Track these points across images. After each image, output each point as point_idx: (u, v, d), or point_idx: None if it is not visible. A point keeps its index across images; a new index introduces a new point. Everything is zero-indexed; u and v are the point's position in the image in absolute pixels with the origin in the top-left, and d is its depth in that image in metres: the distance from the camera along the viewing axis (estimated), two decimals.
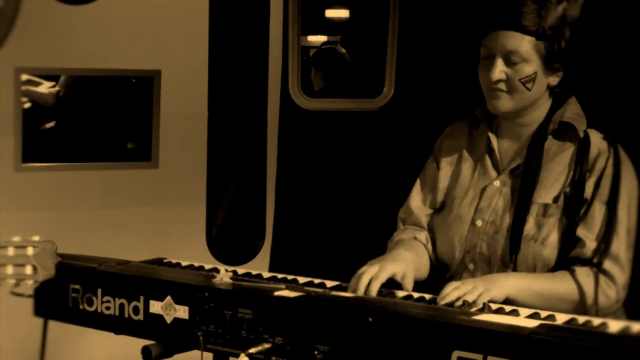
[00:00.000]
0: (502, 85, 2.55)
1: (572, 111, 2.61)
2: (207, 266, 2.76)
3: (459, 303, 2.31)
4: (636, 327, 2.07)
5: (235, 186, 4.11)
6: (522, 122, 2.63)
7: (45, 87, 3.92)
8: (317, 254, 4.00)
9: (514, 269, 2.54)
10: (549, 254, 2.52)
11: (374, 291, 2.42)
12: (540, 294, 2.44)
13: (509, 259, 2.55)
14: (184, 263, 2.80)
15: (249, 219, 4.15)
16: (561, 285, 2.46)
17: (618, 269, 2.49)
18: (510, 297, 2.41)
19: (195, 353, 2.34)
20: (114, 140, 4.10)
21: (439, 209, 2.77)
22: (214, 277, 2.44)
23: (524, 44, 2.50)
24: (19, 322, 2.83)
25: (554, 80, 2.57)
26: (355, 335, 2.09)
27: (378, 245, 2.87)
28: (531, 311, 2.29)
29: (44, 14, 3.82)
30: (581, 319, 2.23)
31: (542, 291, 2.45)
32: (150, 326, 2.42)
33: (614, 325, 2.13)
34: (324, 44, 5.11)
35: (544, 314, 2.27)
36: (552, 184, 2.56)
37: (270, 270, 3.32)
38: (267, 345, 2.20)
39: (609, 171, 2.50)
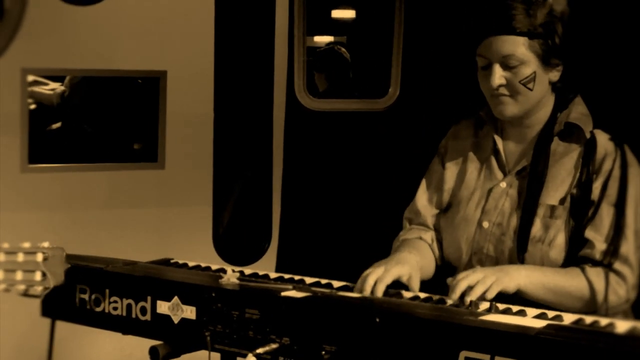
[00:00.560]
0: (504, 90, 2.55)
1: (578, 112, 2.61)
2: (214, 267, 2.76)
3: (469, 297, 2.31)
4: None
5: (241, 186, 4.11)
6: (527, 123, 2.63)
7: (50, 88, 3.93)
8: (324, 254, 4.00)
9: None
10: (556, 256, 2.51)
11: (379, 293, 2.42)
12: (551, 288, 2.44)
13: (516, 260, 2.55)
14: (190, 263, 2.80)
15: (255, 219, 4.14)
16: (573, 281, 2.46)
17: (628, 269, 2.48)
18: (521, 288, 2.41)
19: (203, 353, 2.34)
20: (120, 141, 4.10)
21: (445, 210, 2.77)
22: (221, 277, 2.44)
23: (518, 46, 2.50)
24: (27, 322, 2.84)
25: (554, 75, 2.57)
26: (362, 335, 2.09)
27: (384, 246, 2.87)
28: (539, 311, 2.29)
29: (50, 15, 3.83)
30: (589, 319, 2.23)
31: (553, 285, 2.44)
32: (158, 326, 2.42)
33: (622, 326, 2.12)
34: (326, 44, 5.11)
35: (551, 314, 2.27)
36: (558, 186, 2.56)
37: (276, 271, 3.33)
38: (274, 346, 2.21)
39: (616, 172, 2.50)
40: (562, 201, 2.54)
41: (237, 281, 2.42)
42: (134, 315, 2.47)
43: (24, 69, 3.85)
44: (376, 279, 2.44)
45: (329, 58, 4.79)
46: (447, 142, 2.84)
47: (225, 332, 2.30)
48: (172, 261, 2.83)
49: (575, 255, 2.51)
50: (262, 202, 4.12)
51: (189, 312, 2.37)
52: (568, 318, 2.24)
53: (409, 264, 2.55)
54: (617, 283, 2.46)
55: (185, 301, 2.37)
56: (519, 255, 2.53)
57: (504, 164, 2.67)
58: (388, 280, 2.45)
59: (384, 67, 4.06)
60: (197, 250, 3.77)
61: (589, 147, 2.55)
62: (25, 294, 2.27)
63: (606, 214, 2.49)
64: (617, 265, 2.46)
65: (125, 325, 2.49)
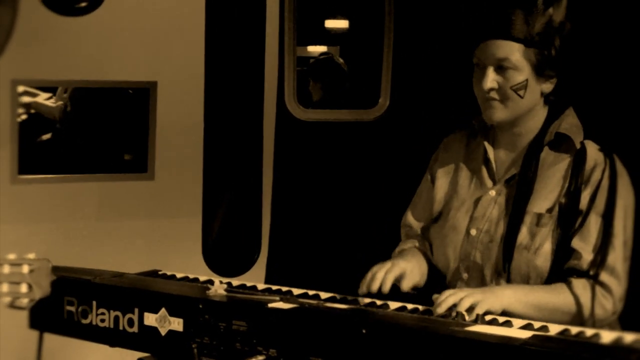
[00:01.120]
0: (495, 94, 2.56)
1: (569, 122, 2.61)
2: (202, 278, 2.76)
3: (454, 312, 2.31)
4: (629, 338, 2.07)
5: (231, 198, 4.11)
6: (518, 131, 2.63)
7: (45, 99, 3.92)
8: (313, 265, 3.99)
9: (508, 279, 2.54)
10: (542, 264, 2.51)
11: (388, 283, 2.46)
12: (537, 306, 2.44)
13: (503, 268, 2.55)
14: (178, 275, 2.80)
15: (244, 230, 4.14)
16: (558, 297, 2.46)
17: (615, 281, 2.48)
18: (507, 309, 2.41)
19: None
20: (110, 152, 4.10)
21: (436, 219, 2.78)
22: (209, 289, 2.44)
23: (513, 52, 2.51)
24: (15, 334, 2.83)
25: (547, 87, 2.58)
26: (349, 346, 2.09)
27: (374, 256, 2.87)
28: (524, 322, 2.29)
29: (40, 26, 3.82)
30: (574, 329, 2.23)
31: (539, 303, 2.45)
32: (145, 338, 2.42)
33: (607, 336, 2.13)
34: (322, 54, 5.11)
35: (537, 324, 2.27)
36: (547, 195, 2.56)
37: (266, 282, 3.33)
38: (261, 357, 2.21)
39: (605, 183, 2.50)
40: (549, 210, 2.54)
41: (224, 292, 2.43)
42: (121, 327, 2.46)
43: (13, 80, 3.84)
44: (385, 271, 2.49)
45: (326, 68, 4.79)
46: (438, 154, 2.85)
47: (213, 344, 2.30)
48: (160, 272, 2.83)
49: (562, 264, 2.51)
50: (252, 213, 4.12)
51: (177, 324, 2.36)
52: (554, 329, 2.24)
53: (411, 263, 2.63)
54: (603, 296, 2.46)
55: (172, 313, 2.37)
56: (504, 262, 2.54)
57: (494, 172, 2.67)
58: (396, 272, 2.51)
59: (375, 77, 4.06)
60: (187, 262, 3.77)
61: (579, 157, 2.55)
62: (12, 305, 2.27)
63: (594, 224, 2.49)
64: (604, 277, 2.46)
65: (113, 337, 2.49)
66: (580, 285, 2.46)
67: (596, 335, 2.15)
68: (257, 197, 4.12)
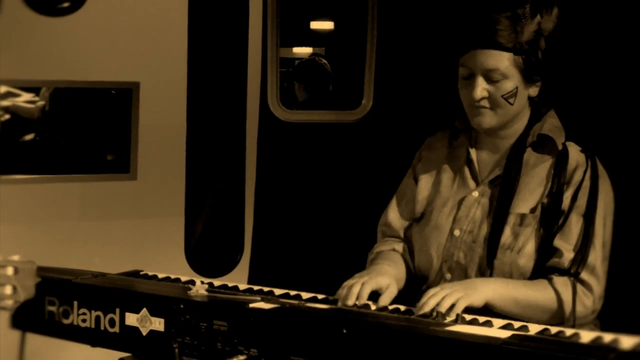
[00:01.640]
0: (485, 103, 2.56)
1: (551, 124, 2.63)
2: (184, 278, 2.76)
3: (435, 312, 2.32)
4: (608, 338, 2.08)
5: (214, 198, 4.11)
6: (503, 134, 2.65)
7: (25, 99, 3.91)
8: (296, 265, 3.99)
9: None
10: (525, 263, 2.53)
11: (365, 295, 2.45)
12: (519, 301, 2.46)
13: (486, 268, 2.56)
14: (160, 275, 2.80)
15: (227, 231, 4.14)
16: (540, 293, 2.48)
17: (594, 280, 2.51)
18: (489, 302, 2.42)
19: None
20: (92, 152, 4.08)
21: (418, 220, 2.78)
22: (190, 289, 2.44)
23: (503, 61, 2.51)
24: None
25: (534, 91, 2.60)
26: (330, 346, 2.10)
27: (357, 257, 2.88)
28: (504, 322, 2.30)
29: (22, 26, 3.81)
30: (554, 329, 2.24)
31: (521, 298, 2.46)
32: (126, 338, 2.41)
33: (586, 336, 2.14)
34: (311, 55, 5.11)
35: (517, 324, 2.28)
36: (530, 195, 2.58)
37: (249, 283, 3.33)
38: (242, 357, 2.21)
39: (587, 183, 2.52)
40: (532, 210, 2.55)
41: (205, 293, 2.42)
42: (102, 327, 2.46)
43: None
44: (361, 285, 2.47)
45: (310, 69, 4.80)
46: (421, 153, 2.86)
47: (194, 344, 2.30)
48: (141, 273, 2.82)
49: (544, 263, 2.52)
50: (235, 214, 4.12)
51: (158, 324, 2.36)
52: (534, 328, 2.25)
53: (388, 276, 2.59)
54: (584, 294, 2.48)
55: (153, 313, 2.37)
56: (488, 262, 2.55)
57: (477, 173, 2.68)
58: (373, 284, 2.49)
59: (359, 78, 4.06)
60: (170, 262, 3.76)
61: (561, 158, 2.57)
62: None
63: (575, 223, 2.51)
64: (584, 275, 2.48)
65: (94, 337, 2.48)
66: (562, 283, 2.47)
67: (575, 335, 2.16)
68: (240, 198, 4.11)
